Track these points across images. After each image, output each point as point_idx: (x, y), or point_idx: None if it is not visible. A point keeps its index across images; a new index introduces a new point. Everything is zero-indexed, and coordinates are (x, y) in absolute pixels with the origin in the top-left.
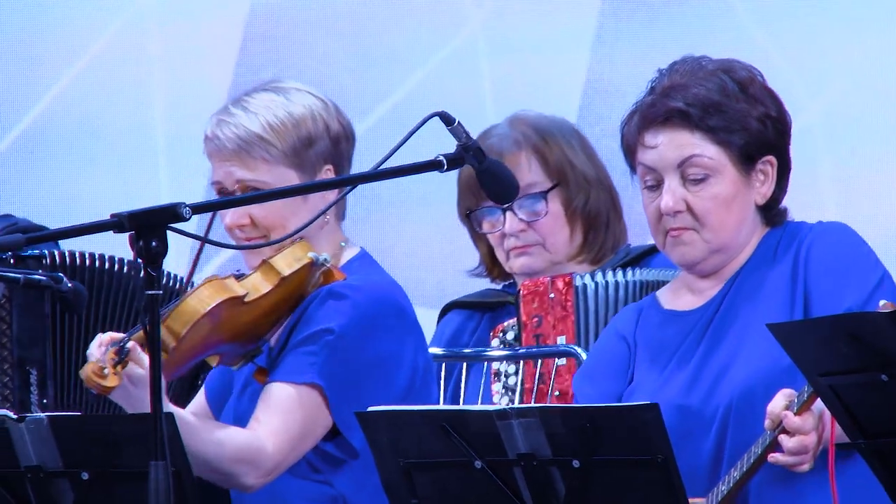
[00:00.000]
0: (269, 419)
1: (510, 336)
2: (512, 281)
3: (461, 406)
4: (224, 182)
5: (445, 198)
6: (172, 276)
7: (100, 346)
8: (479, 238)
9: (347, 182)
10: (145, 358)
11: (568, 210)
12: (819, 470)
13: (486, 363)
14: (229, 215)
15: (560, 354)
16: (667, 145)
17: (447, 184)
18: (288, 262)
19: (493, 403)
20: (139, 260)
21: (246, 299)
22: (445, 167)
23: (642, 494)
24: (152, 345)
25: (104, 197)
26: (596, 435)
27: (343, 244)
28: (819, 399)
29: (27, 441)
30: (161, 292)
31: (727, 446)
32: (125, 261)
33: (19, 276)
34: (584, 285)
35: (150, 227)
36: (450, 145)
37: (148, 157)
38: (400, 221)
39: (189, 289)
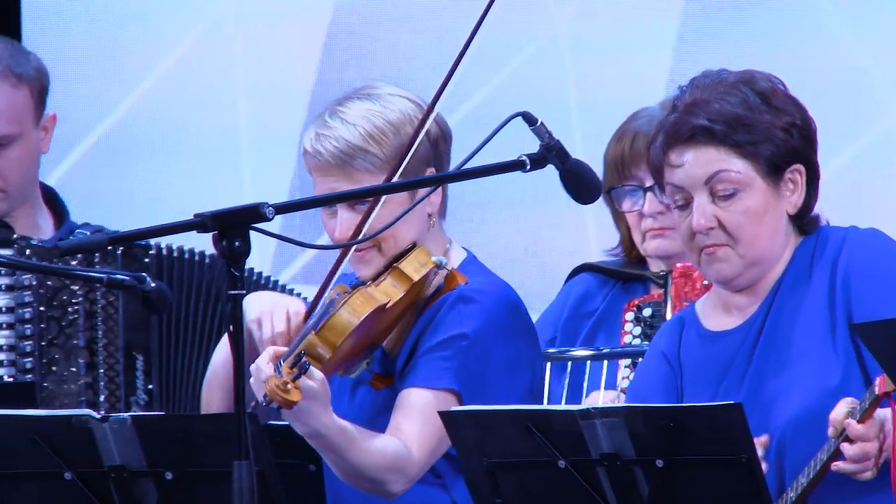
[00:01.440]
0: (410, 426)
1: (647, 312)
2: (646, 265)
3: (545, 406)
4: None
5: (528, 198)
6: (257, 273)
7: (269, 362)
8: (619, 218)
9: (430, 182)
10: (317, 372)
11: None
12: (882, 477)
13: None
14: (338, 229)
15: (642, 354)
16: (693, 163)
17: (530, 184)
18: (415, 266)
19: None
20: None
21: (387, 306)
22: (528, 167)
23: (726, 494)
24: (235, 346)
25: (188, 197)
26: (679, 435)
27: (448, 246)
28: (880, 407)
29: (111, 440)
30: (244, 292)
31: (787, 474)
32: (206, 254)
33: (102, 275)
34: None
35: (233, 227)
36: (532, 145)
37: (231, 158)
38: (482, 222)
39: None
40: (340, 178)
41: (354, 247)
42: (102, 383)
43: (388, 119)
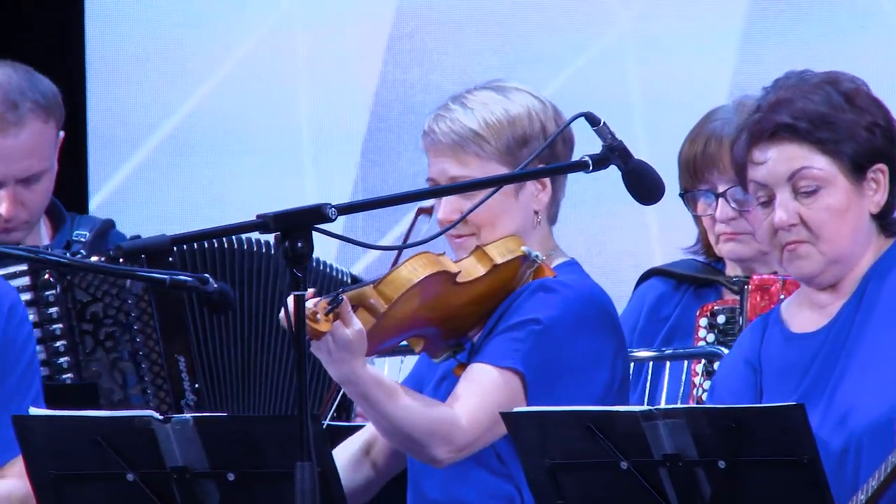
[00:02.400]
0: (467, 397)
1: (721, 319)
2: (722, 261)
3: (607, 407)
4: (438, 178)
5: (590, 199)
6: (325, 263)
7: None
8: (697, 217)
9: (494, 182)
10: (355, 320)
11: None
12: None
13: (685, 362)
14: (441, 209)
15: (705, 355)
16: (776, 160)
17: (593, 185)
18: (500, 251)
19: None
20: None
21: (458, 279)
22: (591, 168)
23: (788, 496)
24: (298, 345)
25: (250, 198)
26: (741, 436)
27: (552, 251)
28: None
29: (173, 442)
30: (307, 292)
31: (861, 479)
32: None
33: (164, 276)
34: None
35: (296, 227)
36: (595, 145)
37: (294, 158)
38: None
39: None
40: (451, 161)
41: (451, 232)
42: (151, 391)
43: (507, 109)
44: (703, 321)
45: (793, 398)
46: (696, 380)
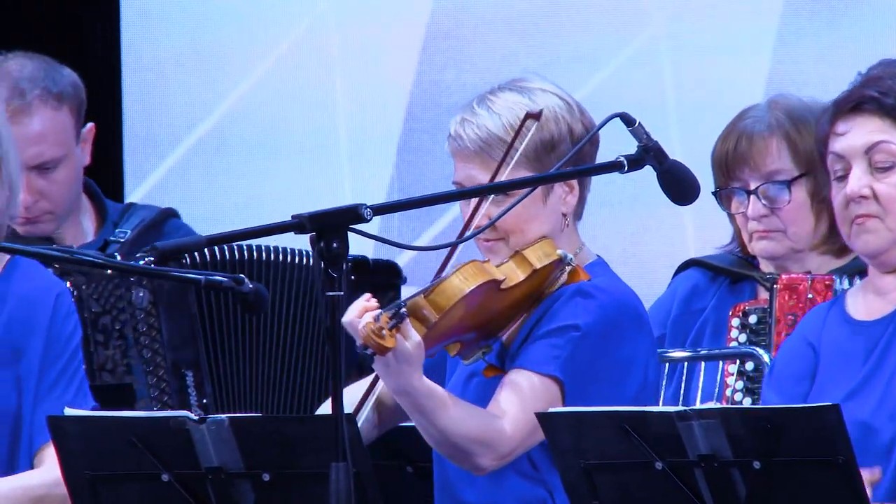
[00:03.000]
0: (508, 405)
1: (752, 319)
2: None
3: (642, 407)
4: (464, 183)
5: (626, 200)
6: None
7: (360, 312)
8: (731, 215)
9: (530, 183)
10: (413, 332)
11: (815, 200)
12: None
13: (720, 362)
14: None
15: (740, 356)
16: (856, 131)
17: (628, 185)
18: (538, 255)
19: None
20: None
21: (502, 286)
22: (626, 168)
23: (823, 496)
24: (333, 346)
25: (287, 198)
26: (776, 436)
27: (579, 249)
28: None
29: (208, 442)
30: (342, 293)
31: None
32: (303, 252)
33: (199, 277)
34: (845, 290)
35: (331, 228)
36: (630, 146)
37: (330, 158)
38: (579, 223)
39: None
40: (478, 167)
41: (479, 236)
42: (156, 407)
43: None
44: (735, 321)
45: (850, 386)
46: (729, 380)
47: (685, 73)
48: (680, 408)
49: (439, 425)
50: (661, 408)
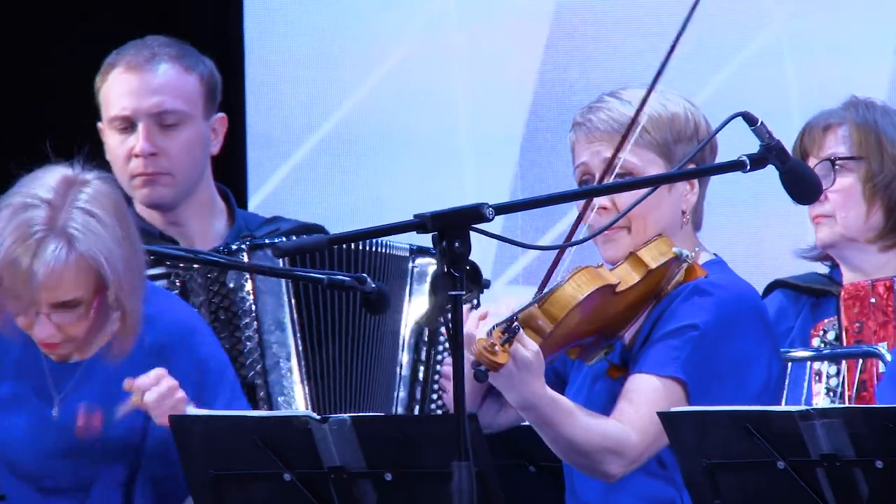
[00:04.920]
0: (634, 410)
1: (831, 336)
2: (836, 266)
3: (764, 407)
4: (590, 162)
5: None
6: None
7: (476, 326)
8: None
9: (651, 182)
10: (531, 342)
11: (867, 186)
12: None
13: (808, 363)
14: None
15: (863, 355)
16: None
17: (751, 185)
18: (653, 255)
19: (811, 405)
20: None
21: (617, 289)
22: (748, 167)
23: None
24: (454, 346)
25: (409, 198)
26: None
27: (696, 248)
28: None
29: (330, 442)
30: (463, 292)
31: None
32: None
33: (323, 276)
34: None
35: (453, 227)
36: (752, 145)
37: (452, 158)
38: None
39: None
40: (606, 144)
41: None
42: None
43: (665, 105)
44: (816, 341)
45: None
46: (816, 387)
47: (807, 72)
48: (802, 407)
49: (567, 435)
50: (783, 407)
